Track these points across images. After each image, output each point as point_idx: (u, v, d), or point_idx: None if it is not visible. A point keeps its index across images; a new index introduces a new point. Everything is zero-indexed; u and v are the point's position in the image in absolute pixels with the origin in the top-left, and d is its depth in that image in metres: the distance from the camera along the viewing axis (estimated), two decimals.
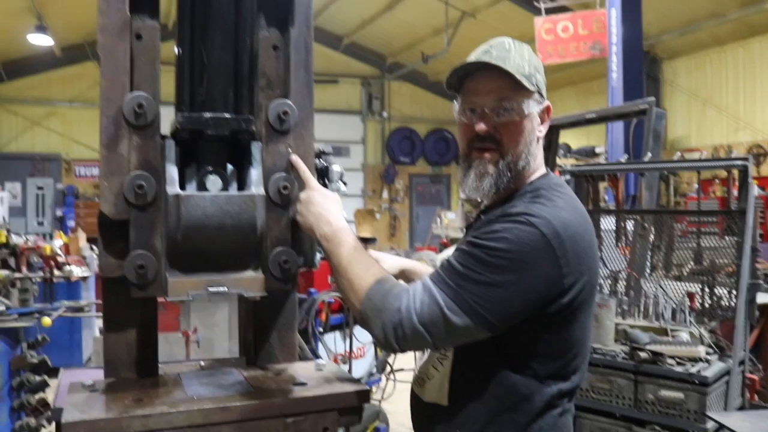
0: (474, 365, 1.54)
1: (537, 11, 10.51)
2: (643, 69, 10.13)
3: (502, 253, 1.41)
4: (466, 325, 1.41)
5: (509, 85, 1.54)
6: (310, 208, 1.62)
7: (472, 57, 1.58)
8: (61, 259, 6.44)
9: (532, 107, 1.57)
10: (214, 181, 1.63)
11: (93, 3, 1.58)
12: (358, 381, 1.75)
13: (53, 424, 1.76)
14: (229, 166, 1.69)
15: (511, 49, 1.56)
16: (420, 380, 1.68)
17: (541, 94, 1.60)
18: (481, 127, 1.56)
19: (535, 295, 1.43)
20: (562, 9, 10.79)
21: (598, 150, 10.59)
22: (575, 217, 1.50)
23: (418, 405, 1.70)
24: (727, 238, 3.40)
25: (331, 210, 1.61)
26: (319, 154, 1.83)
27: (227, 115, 1.63)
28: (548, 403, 1.53)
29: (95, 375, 1.74)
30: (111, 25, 1.56)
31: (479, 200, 1.69)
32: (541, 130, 1.63)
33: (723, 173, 3.75)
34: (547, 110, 1.63)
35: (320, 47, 17.24)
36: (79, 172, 16.70)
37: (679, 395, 2.89)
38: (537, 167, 1.63)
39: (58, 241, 7.34)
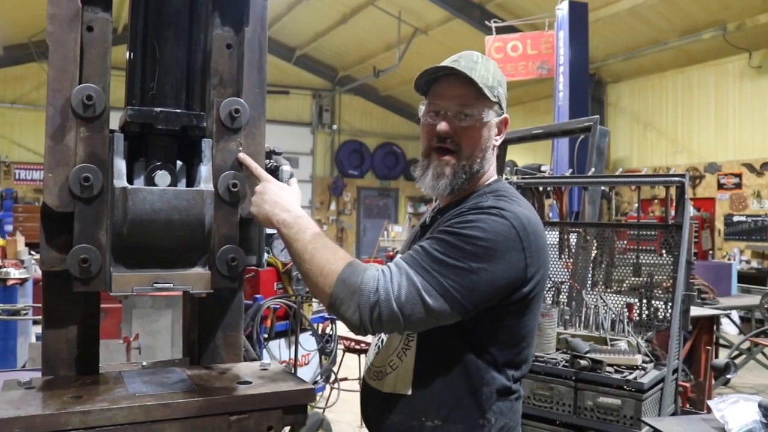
0: (439, 353, 1.59)
1: (488, 30, 10.73)
2: (589, 91, 10.44)
3: (477, 240, 1.48)
4: (442, 309, 1.46)
5: (472, 93, 1.63)
6: (264, 197, 1.61)
7: (443, 64, 1.67)
8: None
9: (491, 117, 1.67)
10: (162, 177, 1.60)
11: (38, 1, 1.56)
12: (302, 380, 1.75)
13: None
14: (179, 163, 1.67)
15: (479, 61, 1.67)
16: (379, 373, 1.70)
17: (501, 107, 1.70)
18: (442, 126, 1.64)
19: (504, 282, 1.50)
20: (512, 29, 11.05)
21: (543, 168, 10.84)
22: (534, 216, 1.60)
23: (374, 398, 1.71)
24: (664, 254, 3.53)
25: (287, 198, 1.61)
26: (270, 154, 1.84)
27: (178, 111, 1.61)
28: (506, 388, 1.60)
29: (32, 376, 1.67)
30: (61, 14, 1.53)
31: (436, 200, 1.79)
32: (497, 140, 1.72)
33: (662, 194, 3.90)
34: (504, 122, 1.73)
35: (272, 58, 17.16)
36: (18, 175, 16.12)
37: (617, 401, 2.97)
38: (491, 173, 1.73)
39: None
